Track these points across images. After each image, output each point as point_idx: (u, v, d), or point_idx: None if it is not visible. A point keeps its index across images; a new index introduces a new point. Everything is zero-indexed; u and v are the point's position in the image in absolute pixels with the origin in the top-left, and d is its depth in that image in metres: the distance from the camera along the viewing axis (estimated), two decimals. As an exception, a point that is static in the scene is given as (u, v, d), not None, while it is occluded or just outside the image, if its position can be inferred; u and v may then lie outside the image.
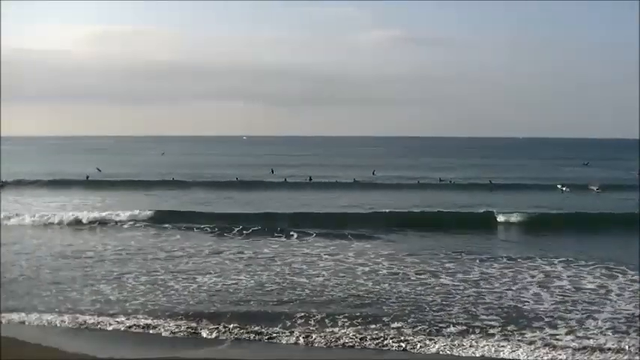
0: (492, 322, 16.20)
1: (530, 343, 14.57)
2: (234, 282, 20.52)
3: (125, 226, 32.42)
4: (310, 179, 59.83)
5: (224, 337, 15.19)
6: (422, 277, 21.26)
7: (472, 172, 69.49)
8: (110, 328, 15.91)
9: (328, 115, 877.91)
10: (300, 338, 14.95)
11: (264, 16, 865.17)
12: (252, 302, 18.20)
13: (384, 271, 22.16)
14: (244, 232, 30.11)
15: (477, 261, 23.71)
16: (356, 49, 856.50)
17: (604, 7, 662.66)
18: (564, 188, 48.42)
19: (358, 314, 16.79)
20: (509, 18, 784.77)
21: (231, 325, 15.72)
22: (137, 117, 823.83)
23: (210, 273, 21.79)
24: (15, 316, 16.60)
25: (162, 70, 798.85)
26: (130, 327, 15.89)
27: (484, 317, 16.69)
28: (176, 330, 15.66)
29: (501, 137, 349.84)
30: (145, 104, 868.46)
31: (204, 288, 19.80)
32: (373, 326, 15.83)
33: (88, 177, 61.08)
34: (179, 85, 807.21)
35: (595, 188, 48.87)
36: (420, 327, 15.76)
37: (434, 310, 17.30)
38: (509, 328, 15.73)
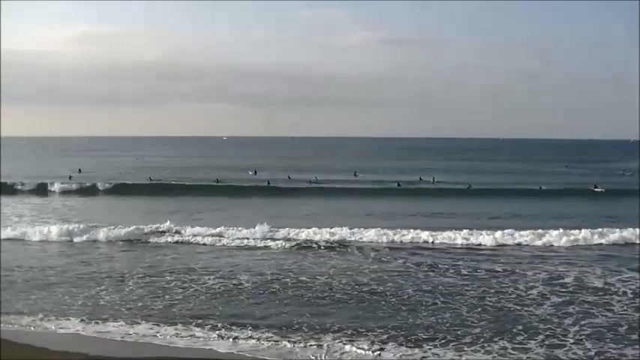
0: (475, 330, 16.27)
1: (487, 352, 14.71)
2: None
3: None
4: (289, 178, 61.50)
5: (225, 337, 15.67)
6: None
7: (455, 176, 68.52)
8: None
9: (314, 116, 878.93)
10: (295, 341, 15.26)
11: (249, 17, 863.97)
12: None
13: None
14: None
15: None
16: (341, 50, 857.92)
17: (587, 6, 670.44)
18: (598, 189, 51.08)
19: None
20: (492, 18, 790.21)
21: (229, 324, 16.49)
22: (121, 118, 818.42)
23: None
24: (7, 319, 16.92)
25: (148, 70, 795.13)
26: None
27: (473, 322, 16.87)
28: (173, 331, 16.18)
29: (483, 138, 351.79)
30: (130, 105, 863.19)
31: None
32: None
33: (70, 177, 61.84)
34: (165, 86, 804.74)
35: (594, 187, 51.31)
36: (396, 333, 16.00)
37: (425, 314, 17.64)
38: (485, 335, 15.87)
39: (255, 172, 70.81)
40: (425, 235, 29.14)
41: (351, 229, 30.13)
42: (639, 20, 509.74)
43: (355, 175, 71.87)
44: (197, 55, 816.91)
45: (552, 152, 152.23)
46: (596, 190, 51.08)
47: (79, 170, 72.58)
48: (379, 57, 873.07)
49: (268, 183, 58.10)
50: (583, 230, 29.32)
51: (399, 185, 56.71)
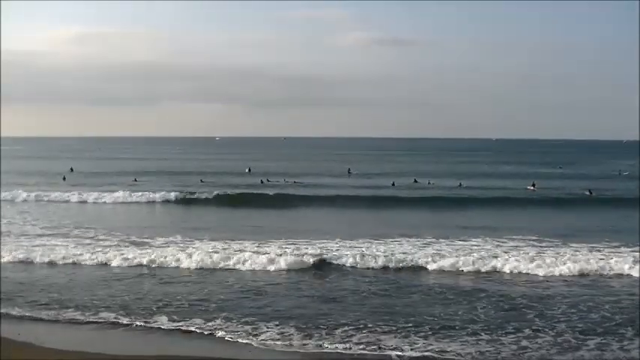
0: (474, 326, 16.55)
1: (456, 341, 15.39)
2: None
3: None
4: (266, 180, 59.70)
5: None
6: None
7: (447, 177, 66.99)
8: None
9: (309, 116, 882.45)
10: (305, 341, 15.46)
11: (245, 18, 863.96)
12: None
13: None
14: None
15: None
16: (337, 50, 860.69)
17: (585, 6, 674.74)
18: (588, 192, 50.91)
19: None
20: (488, 19, 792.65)
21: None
22: (116, 118, 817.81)
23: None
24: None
25: (147, 70, 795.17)
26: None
27: (480, 319, 17.18)
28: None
29: (476, 138, 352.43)
30: (128, 105, 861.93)
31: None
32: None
33: (64, 178, 61.74)
34: (159, 87, 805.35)
35: (589, 192, 50.84)
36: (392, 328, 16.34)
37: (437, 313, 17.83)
38: (471, 328, 16.36)
39: (250, 170, 72.49)
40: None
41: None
42: (639, 20, 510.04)
43: (349, 172, 72.21)
44: (195, 55, 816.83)
45: (546, 153, 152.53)
46: (591, 194, 50.49)
47: (71, 169, 72.95)
48: (376, 57, 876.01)
49: (262, 182, 58.23)
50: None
51: (393, 185, 56.75)
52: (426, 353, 14.62)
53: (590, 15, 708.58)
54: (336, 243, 27.70)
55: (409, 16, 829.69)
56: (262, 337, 15.67)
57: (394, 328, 16.32)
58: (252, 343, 15.32)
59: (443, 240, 28.54)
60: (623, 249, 26.53)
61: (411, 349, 14.77)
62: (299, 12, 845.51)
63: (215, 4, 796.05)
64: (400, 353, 14.55)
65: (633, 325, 16.55)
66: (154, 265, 23.67)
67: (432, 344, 15.12)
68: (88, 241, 28.46)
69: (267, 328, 16.26)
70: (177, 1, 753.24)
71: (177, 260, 24.12)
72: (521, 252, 26.00)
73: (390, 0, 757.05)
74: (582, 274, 22.50)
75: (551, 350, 14.91)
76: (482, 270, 23.19)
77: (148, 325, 16.57)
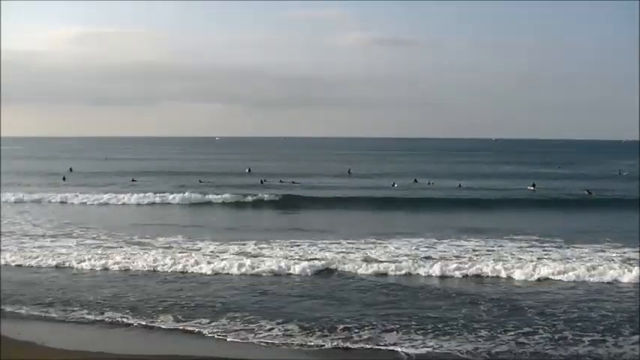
0: (475, 325, 16.68)
1: (456, 339, 15.64)
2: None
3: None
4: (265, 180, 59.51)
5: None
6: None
7: (446, 177, 66.94)
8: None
9: (309, 116, 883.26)
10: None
11: (245, 18, 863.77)
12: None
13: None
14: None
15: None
16: (337, 50, 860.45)
17: (579, 6, 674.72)
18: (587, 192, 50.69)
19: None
20: (488, 19, 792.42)
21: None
22: (116, 118, 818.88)
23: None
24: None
25: (147, 70, 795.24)
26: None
27: (481, 318, 17.28)
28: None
29: (476, 138, 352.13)
30: (127, 106, 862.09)
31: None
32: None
33: (64, 178, 61.80)
34: (159, 87, 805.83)
35: (588, 192, 50.63)
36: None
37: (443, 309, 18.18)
38: (472, 327, 16.55)
39: (250, 170, 72.76)
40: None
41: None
42: (639, 20, 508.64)
43: (349, 172, 72.41)
44: (195, 55, 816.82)
45: (546, 153, 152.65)
46: (590, 195, 49.98)
47: (70, 169, 73.19)
48: (376, 57, 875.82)
49: (262, 182, 58.15)
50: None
51: (393, 185, 56.75)
52: (434, 351, 14.74)
53: (590, 15, 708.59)
54: (339, 243, 27.80)
55: (409, 16, 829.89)
56: (265, 335, 15.77)
57: (397, 326, 16.43)
58: (255, 341, 15.40)
59: (444, 240, 28.71)
60: (623, 249, 26.45)
61: (414, 347, 14.89)
62: (299, 12, 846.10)
63: (215, 4, 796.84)
64: (407, 351, 14.67)
65: (632, 324, 16.64)
66: (156, 265, 23.63)
67: (433, 342, 15.25)
68: (89, 241, 28.61)
69: (270, 326, 16.36)
70: (177, 1, 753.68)
71: (179, 261, 24.03)
72: (522, 253, 26.01)
73: (390, 0, 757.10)
74: (583, 275, 22.34)
75: (546, 346, 15.09)
76: (484, 271, 23.03)
77: (152, 324, 16.66)
